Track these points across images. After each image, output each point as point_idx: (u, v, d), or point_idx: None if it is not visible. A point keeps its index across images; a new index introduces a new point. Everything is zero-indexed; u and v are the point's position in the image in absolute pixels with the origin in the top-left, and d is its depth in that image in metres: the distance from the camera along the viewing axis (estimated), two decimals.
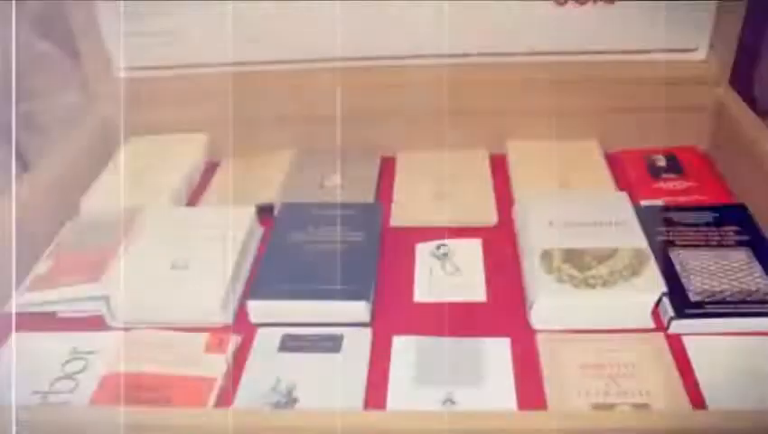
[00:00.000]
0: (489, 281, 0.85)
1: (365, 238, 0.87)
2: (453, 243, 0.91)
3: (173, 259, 0.85)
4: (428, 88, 1.07)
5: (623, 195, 0.92)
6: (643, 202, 0.96)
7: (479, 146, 1.11)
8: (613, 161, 1.06)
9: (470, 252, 0.89)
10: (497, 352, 0.75)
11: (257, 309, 0.80)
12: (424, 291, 0.84)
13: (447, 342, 0.76)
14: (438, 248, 0.90)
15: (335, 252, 0.85)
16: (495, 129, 1.10)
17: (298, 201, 0.97)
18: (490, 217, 0.96)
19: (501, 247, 0.90)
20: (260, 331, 0.79)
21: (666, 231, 0.87)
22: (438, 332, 0.77)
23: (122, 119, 1.11)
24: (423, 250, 0.90)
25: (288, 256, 0.85)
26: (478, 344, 0.75)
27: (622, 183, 1.01)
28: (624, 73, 1.06)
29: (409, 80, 1.08)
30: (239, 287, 0.85)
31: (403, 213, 0.98)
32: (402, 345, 0.76)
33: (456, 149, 1.10)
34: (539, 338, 0.76)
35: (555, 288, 0.77)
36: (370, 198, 1.01)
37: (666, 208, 0.93)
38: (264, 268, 0.84)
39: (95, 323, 0.81)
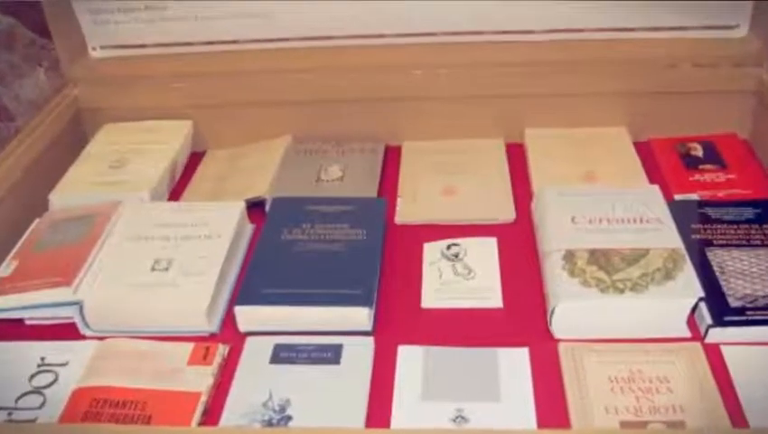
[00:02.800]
0: (505, 285, 0.84)
1: (367, 236, 0.87)
2: (465, 242, 0.90)
3: (152, 260, 0.84)
4: (436, 69, 1.07)
5: (655, 189, 0.91)
6: (677, 197, 0.95)
7: (494, 134, 1.10)
8: (644, 150, 1.05)
9: (484, 252, 0.89)
10: (514, 363, 0.74)
11: (247, 316, 0.79)
12: (432, 296, 0.84)
13: (458, 352, 0.76)
14: (449, 247, 0.90)
15: (334, 252, 0.84)
16: (512, 115, 1.10)
17: (292, 195, 0.96)
18: (506, 213, 0.95)
19: (518, 246, 0.90)
20: (250, 340, 0.78)
21: (703, 229, 0.86)
22: (448, 341, 0.77)
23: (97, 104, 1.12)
24: (432, 250, 0.90)
25: (281, 256, 0.85)
26: (493, 354, 0.75)
27: (653, 174, 1.00)
28: (655, 52, 1.05)
29: (415, 60, 1.07)
30: (227, 292, 0.85)
31: (409, 209, 0.97)
32: (408, 356, 0.75)
33: (469, 137, 1.09)
34: (562, 348, 0.75)
35: (579, 293, 0.77)
36: (373, 192, 1.00)
37: (702, 203, 0.92)
38: (254, 269, 0.84)
39: (66, 331, 0.81)
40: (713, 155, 1.03)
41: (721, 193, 0.95)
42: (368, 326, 0.79)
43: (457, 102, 1.08)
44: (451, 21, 1.06)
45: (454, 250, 0.89)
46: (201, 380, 0.73)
